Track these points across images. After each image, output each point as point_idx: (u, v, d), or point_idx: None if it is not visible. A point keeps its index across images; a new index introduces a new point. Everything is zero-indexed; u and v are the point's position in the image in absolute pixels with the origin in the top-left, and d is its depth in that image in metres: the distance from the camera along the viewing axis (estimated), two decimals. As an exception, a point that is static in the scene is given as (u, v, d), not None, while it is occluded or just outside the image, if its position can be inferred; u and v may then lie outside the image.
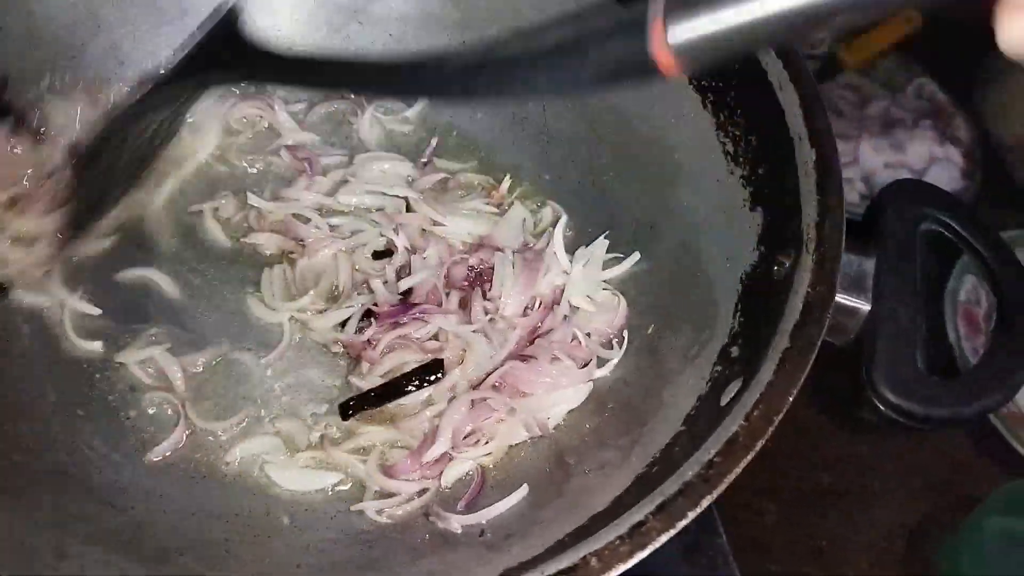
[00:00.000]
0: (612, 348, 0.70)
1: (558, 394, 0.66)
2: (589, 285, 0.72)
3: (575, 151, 0.80)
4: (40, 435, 0.61)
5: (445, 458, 0.63)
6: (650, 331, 0.70)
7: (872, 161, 1.12)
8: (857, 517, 0.88)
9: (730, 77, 0.67)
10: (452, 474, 0.63)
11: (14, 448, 0.58)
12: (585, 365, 0.68)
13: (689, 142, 0.70)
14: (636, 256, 0.73)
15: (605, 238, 0.74)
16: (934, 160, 1.11)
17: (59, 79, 0.72)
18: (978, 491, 0.85)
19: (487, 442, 0.63)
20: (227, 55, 0.63)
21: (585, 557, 0.42)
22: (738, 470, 0.46)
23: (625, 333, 0.71)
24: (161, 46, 0.78)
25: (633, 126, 0.75)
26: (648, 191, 0.74)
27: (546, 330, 0.70)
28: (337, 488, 0.63)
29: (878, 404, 0.53)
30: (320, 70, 0.59)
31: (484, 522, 0.58)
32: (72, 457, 0.60)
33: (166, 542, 0.56)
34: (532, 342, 0.69)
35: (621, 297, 0.72)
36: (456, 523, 0.58)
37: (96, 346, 0.67)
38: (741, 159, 0.66)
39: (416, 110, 0.84)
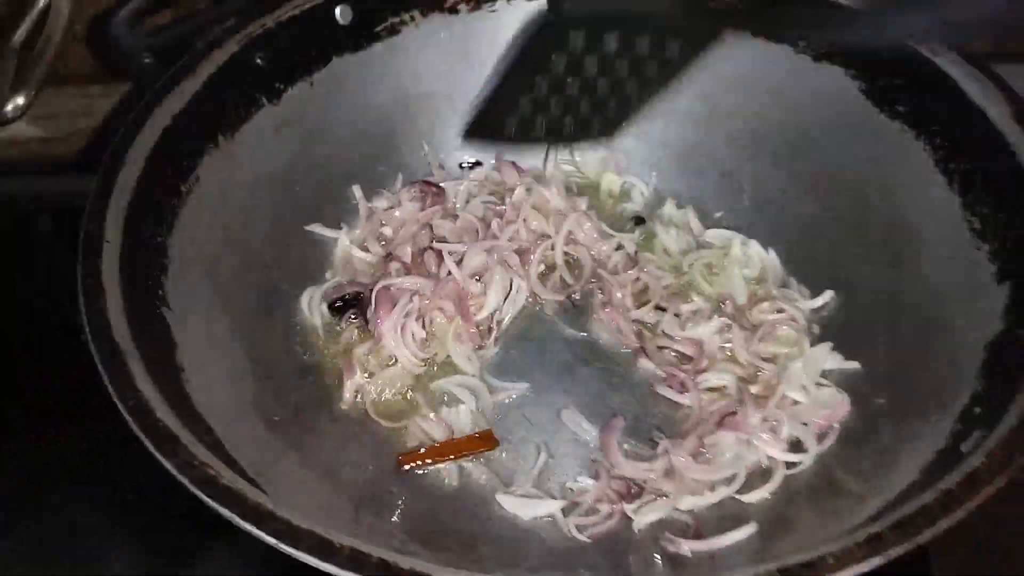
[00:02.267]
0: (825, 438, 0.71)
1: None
2: (807, 378, 0.74)
3: (811, 231, 0.85)
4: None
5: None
6: (883, 401, 0.71)
7: None
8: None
9: (978, 157, 0.69)
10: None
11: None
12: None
13: (933, 220, 0.73)
14: (829, 294, 0.78)
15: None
16: None
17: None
18: None
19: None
20: None
21: (823, 555, 0.45)
22: (978, 500, 0.47)
23: (836, 424, 0.72)
24: (453, 135, 0.94)
25: (872, 205, 0.79)
26: (887, 266, 0.77)
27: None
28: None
29: None
30: None
31: (714, 550, 0.61)
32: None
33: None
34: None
35: (845, 395, 0.73)
36: (687, 548, 0.62)
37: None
38: (988, 235, 0.67)
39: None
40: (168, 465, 0.49)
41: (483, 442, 0.72)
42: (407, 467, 0.70)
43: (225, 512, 0.47)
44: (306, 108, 0.84)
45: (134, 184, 0.66)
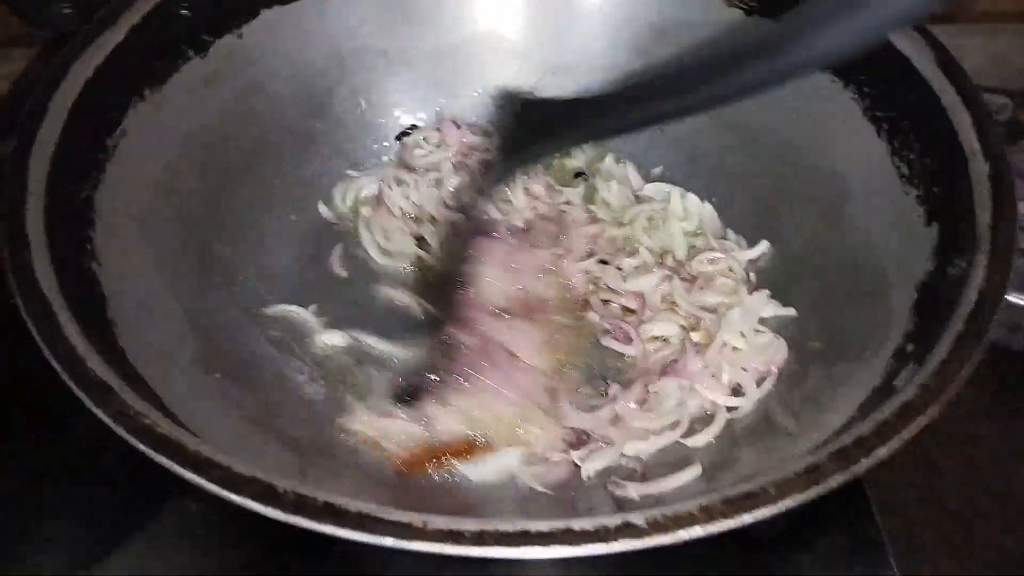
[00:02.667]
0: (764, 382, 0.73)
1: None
2: (745, 325, 0.76)
3: (743, 183, 0.87)
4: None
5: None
6: (819, 344, 0.73)
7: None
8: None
9: (904, 105, 0.71)
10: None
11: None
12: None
13: (861, 167, 0.75)
14: (765, 245, 0.80)
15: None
16: None
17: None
18: None
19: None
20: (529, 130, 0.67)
21: (764, 485, 0.47)
22: (913, 430, 0.49)
23: (775, 368, 0.74)
24: (391, 91, 0.93)
25: (803, 156, 0.81)
26: (818, 215, 0.79)
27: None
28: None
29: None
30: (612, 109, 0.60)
31: (661, 492, 0.63)
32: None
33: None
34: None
35: (782, 340, 0.75)
36: (633, 491, 0.63)
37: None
38: (916, 180, 0.70)
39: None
40: (102, 414, 0.47)
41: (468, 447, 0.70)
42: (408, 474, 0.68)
43: (164, 460, 0.46)
44: (236, 61, 0.82)
45: (57, 137, 0.63)
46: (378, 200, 0.88)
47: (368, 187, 0.90)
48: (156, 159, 0.73)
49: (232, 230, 0.79)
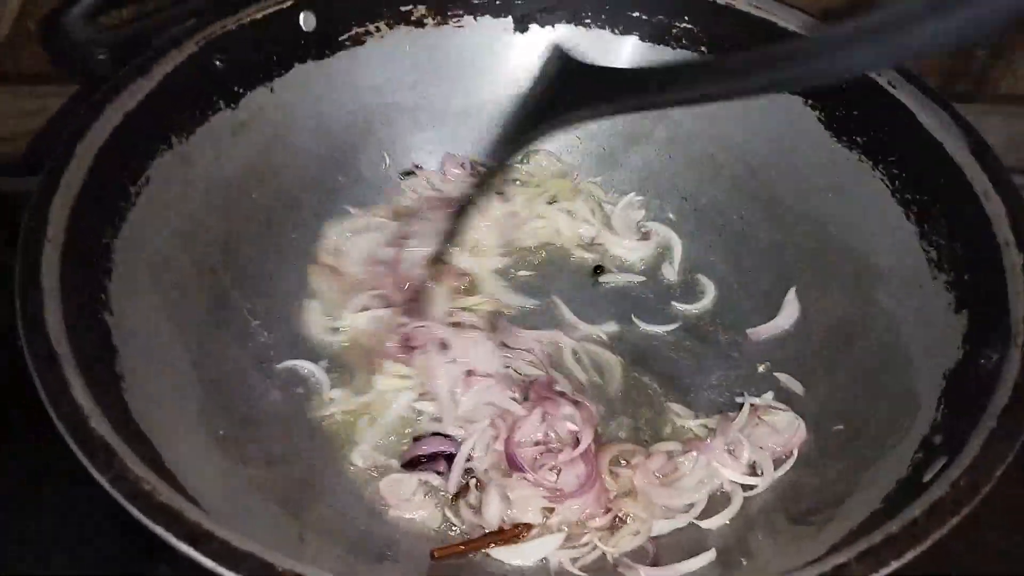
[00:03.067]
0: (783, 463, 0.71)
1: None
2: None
3: (769, 258, 0.86)
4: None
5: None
6: (841, 428, 0.71)
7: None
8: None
9: (935, 189, 0.70)
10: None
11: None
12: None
13: (890, 250, 0.74)
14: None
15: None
16: None
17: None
18: None
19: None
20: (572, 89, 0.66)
21: (788, 585, 0.44)
22: (944, 529, 0.46)
23: (794, 451, 0.72)
24: (415, 146, 0.93)
25: (830, 234, 0.80)
26: (844, 297, 0.77)
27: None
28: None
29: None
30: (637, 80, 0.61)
31: (671, 577, 0.60)
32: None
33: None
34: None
35: (801, 420, 0.73)
36: (644, 575, 0.61)
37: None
38: (946, 265, 0.68)
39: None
40: (101, 479, 0.46)
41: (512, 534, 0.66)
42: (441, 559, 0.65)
43: (160, 530, 0.44)
44: (265, 114, 0.82)
45: (81, 182, 0.62)
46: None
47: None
48: (178, 208, 0.72)
49: (248, 282, 0.78)
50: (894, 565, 0.45)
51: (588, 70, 0.68)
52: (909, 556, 0.46)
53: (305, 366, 0.77)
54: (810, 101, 0.81)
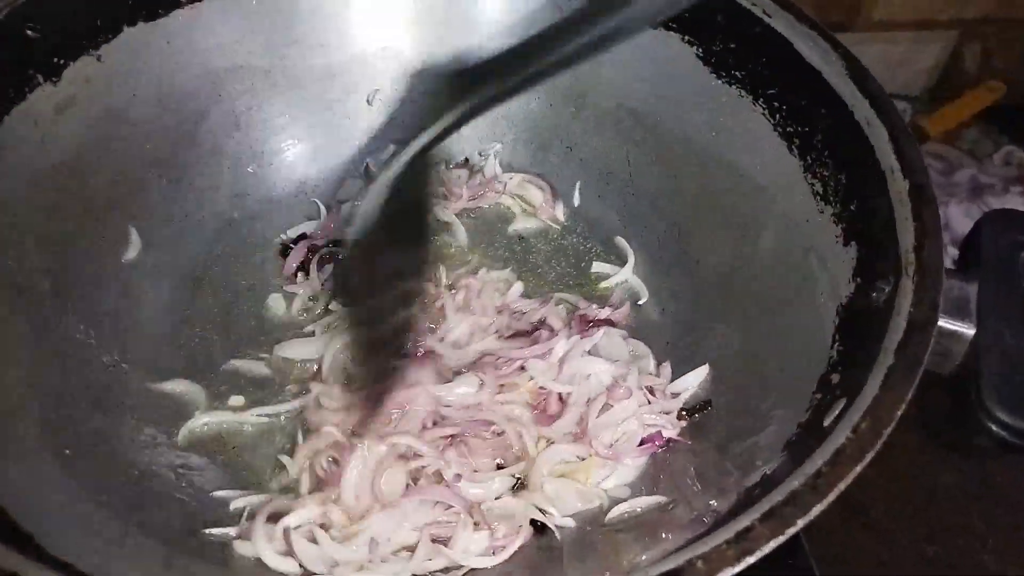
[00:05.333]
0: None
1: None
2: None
3: (658, 203, 0.83)
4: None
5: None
6: (741, 370, 0.69)
7: (963, 225, 1.11)
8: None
9: (815, 119, 0.68)
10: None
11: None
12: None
13: (775, 186, 0.72)
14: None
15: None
16: (1029, 222, 1.09)
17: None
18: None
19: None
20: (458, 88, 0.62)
21: (691, 560, 0.41)
22: (848, 479, 0.44)
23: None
24: (275, 114, 0.85)
25: (716, 175, 0.77)
26: (734, 238, 0.75)
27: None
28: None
29: (992, 426, 0.51)
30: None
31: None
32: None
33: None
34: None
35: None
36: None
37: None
38: (831, 198, 0.66)
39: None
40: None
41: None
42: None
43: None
44: (94, 86, 0.73)
45: None
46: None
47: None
48: (-5, 202, 0.63)
49: (89, 293, 0.69)
50: (800, 524, 0.43)
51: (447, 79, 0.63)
52: (816, 512, 0.43)
53: (167, 387, 0.71)
54: (687, 37, 0.78)
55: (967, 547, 0.86)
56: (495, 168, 0.91)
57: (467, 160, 0.93)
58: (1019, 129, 1.22)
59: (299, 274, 0.81)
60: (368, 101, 0.89)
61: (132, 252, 0.75)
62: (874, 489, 0.89)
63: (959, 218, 1.12)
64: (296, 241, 0.83)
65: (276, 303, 0.79)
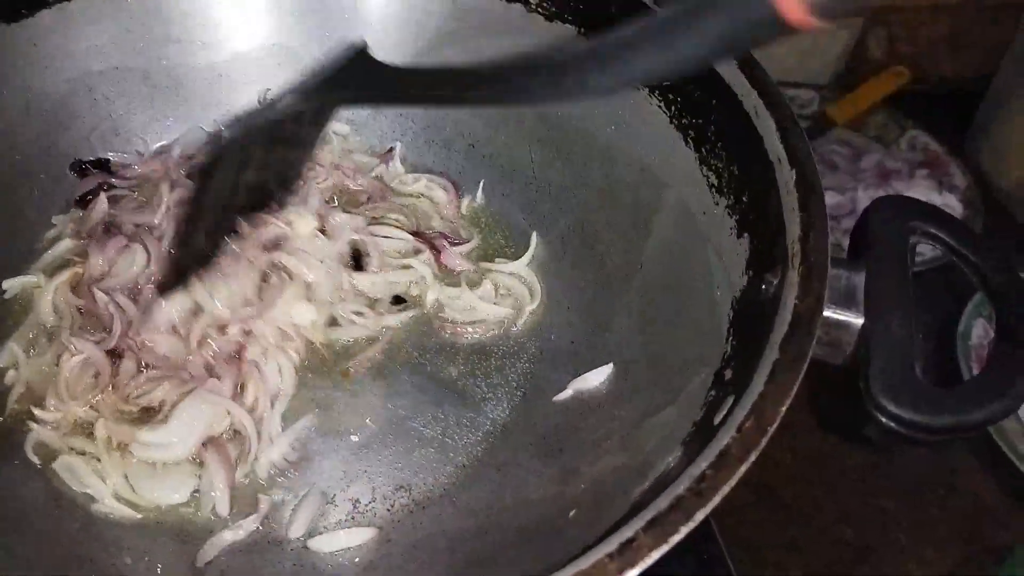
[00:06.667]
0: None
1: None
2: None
3: (562, 200, 0.81)
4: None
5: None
6: (643, 368, 0.68)
7: (870, 210, 1.12)
8: (887, 571, 0.84)
9: (708, 111, 0.67)
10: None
11: None
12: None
13: (674, 180, 0.71)
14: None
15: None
16: (934, 207, 1.11)
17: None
18: (1009, 540, 0.83)
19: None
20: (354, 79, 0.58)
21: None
22: (732, 482, 0.43)
23: None
24: (157, 116, 0.81)
25: (618, 170, 0.76)
26: (635, 233, 0.74)
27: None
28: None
29: (879, 416, 0.50)
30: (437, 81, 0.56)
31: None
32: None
33: None
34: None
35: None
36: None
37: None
38: (725, 189, 0.65)
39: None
40: None
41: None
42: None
43: None
44: (-50, 93, 0.68)
45: None
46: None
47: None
48: None
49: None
50: (684, 531, 0.42)
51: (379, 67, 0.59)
52: (700, 517, 0.42)
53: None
54: (582, 30, 0.76)
55: (881, 527, 0.87)
56: (398, 167, 0.88)
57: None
58: (924, 114, 1.24)
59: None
60: (259, 101, 0.85)
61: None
62: (783, 471, 0.89)
63: (866, 202, 1.13)
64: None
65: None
